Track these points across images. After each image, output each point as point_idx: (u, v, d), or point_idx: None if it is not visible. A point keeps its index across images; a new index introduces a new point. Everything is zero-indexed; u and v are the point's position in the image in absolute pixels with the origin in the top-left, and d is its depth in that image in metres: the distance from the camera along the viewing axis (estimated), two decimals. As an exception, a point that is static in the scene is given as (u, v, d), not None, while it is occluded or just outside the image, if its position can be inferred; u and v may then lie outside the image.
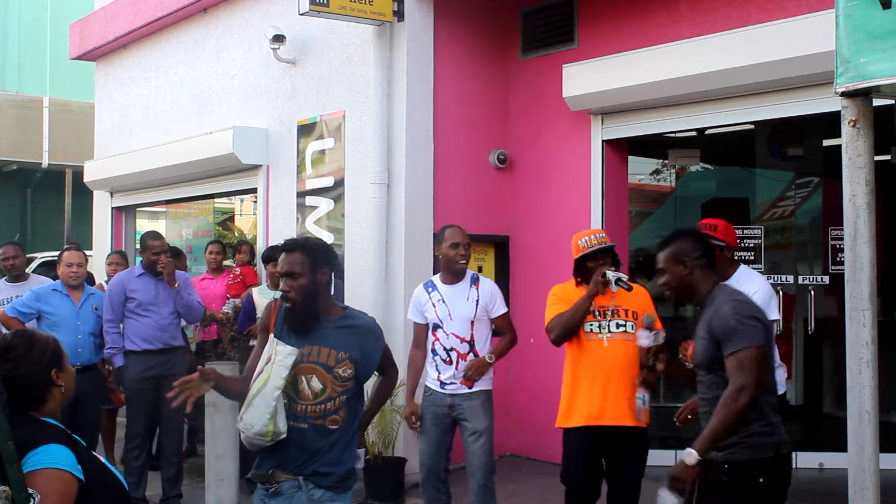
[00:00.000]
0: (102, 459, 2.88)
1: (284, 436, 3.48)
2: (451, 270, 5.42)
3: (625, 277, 4.82)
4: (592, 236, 4.95)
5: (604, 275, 4.78)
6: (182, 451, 7.09)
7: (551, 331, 4.91)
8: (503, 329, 5.53)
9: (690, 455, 3.46)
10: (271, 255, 7.25)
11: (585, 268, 4.91)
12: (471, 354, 5.35)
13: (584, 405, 4.84)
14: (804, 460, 7.02)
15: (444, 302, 5.38)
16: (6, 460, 2.45)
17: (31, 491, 2.49)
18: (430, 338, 5.44)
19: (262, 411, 3.43)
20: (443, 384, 5.36)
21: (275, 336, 3.57)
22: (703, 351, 3.62)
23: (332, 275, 3.70)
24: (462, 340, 5.34)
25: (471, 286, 5.41)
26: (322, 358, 3.56)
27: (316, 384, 3.54)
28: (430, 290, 5.47)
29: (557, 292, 5.05)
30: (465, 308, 5.35)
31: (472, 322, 5.35)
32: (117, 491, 2.85)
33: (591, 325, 4.84)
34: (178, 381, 3.43)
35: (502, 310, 5.47)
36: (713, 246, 4.00)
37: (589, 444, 4.85)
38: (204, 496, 6.13)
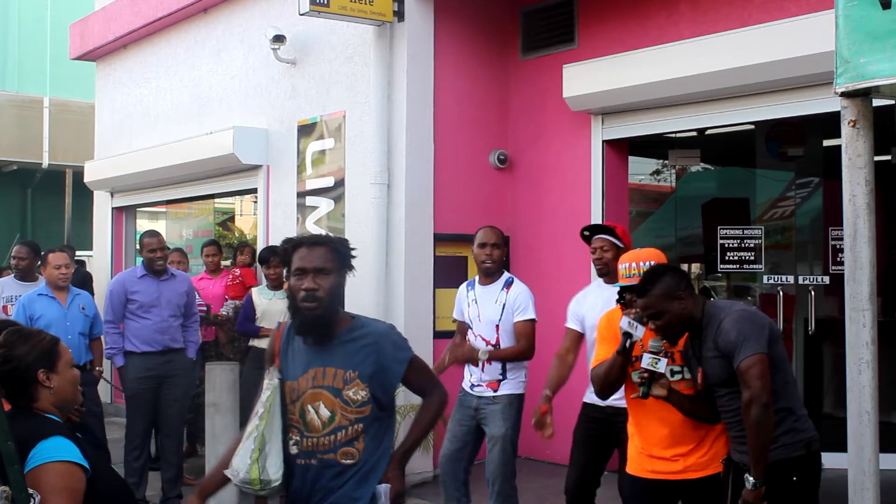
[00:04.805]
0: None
1: (277, 484, 3.02)
2: (480, 271, 5.39)
3: (637, 331, 3.80)
4: (634, 264, 3.93)
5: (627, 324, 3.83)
6: (182, 452, 7.09)
7: (593, 383, 4.09)
8: (519, 336, 5.21)
9: (747, 481, 3.51)
10: (267, 255, 7.25)
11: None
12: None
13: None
14: (804, 460, 7.01)
15: (476, 303, 5.34)
16: (6, 461, 2.46)
17: (31, 491, 2.50)
18: None
19: (243, 455, 3.01)
20: (472, 386, 5.35)
21: (281, 361, 3.14)
22: (718, 369, 3.65)
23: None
24: (487, 343, 5.25)
25: (502, 289, 5.28)
26: (328, 380, 3.05)
27: (324, 412, 3.04)
28: (469, 289, 5.46)
29: (603, 326, 4.13)
30: (491, 311, 5.26)
31: (497, 326, 5.23)
32: (121, 486, 2.86)
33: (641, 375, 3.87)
34: None
35: (525, 316, 5.21)
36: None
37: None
38: (204, 496, 6.12)
